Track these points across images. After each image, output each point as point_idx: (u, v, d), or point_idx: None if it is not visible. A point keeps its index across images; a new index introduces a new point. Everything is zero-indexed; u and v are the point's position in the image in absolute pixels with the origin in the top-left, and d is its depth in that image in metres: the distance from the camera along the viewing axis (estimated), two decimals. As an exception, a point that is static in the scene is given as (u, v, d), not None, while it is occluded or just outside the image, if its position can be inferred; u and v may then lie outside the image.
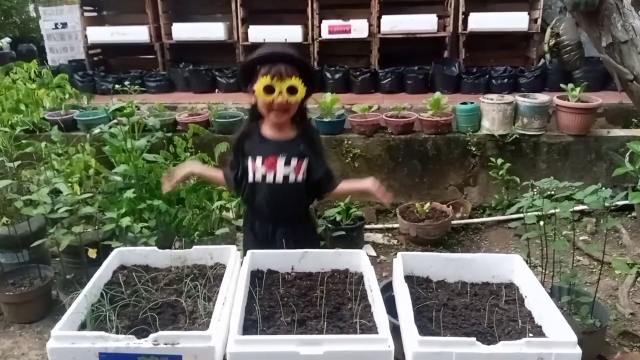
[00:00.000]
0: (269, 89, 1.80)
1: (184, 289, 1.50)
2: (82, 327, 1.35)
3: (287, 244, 1.98)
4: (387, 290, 1.66)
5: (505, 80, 5.01)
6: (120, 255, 1.69)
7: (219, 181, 2.16)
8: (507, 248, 3.69)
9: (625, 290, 3.03)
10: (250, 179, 1.98)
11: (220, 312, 1.31)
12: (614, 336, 2.64)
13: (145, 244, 2.62)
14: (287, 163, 1.94)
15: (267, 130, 1.98)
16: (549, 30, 2.47)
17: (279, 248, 1.92)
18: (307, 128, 2.03)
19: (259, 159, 1.94)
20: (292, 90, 1.81)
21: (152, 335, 1.21)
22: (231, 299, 1.39)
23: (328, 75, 5.28)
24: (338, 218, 3.60)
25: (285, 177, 1.94)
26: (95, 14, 6.25)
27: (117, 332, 1.31)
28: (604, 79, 4.72)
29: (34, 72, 4.65)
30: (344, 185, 2.07)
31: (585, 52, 2.53)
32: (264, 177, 1.95)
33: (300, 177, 1.96)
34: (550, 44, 2.42)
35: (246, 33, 5.56)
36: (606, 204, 2.16)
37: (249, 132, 2.00)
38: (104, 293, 1.46)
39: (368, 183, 1.99)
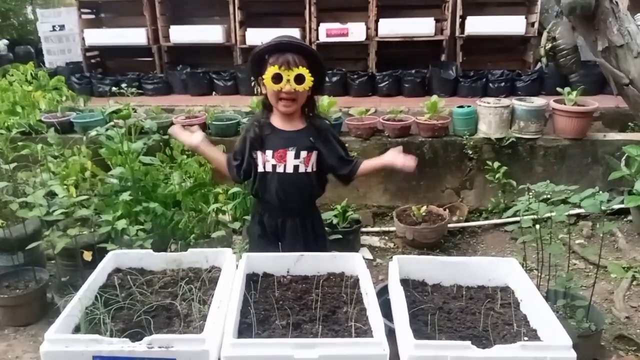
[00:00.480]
0: (277, 78, 1.85)
1: (179, 292, 1.50)
2: (77, 330, 1.35)
3: (296, 238, 2.04)
4: (383, 294, 1.66)
5: (503, 83, 5.02)
6: (115, 257, 1.69)
7: (219, 164, 2.15)
8: (503, 251, 3.70)
9: (621, 294, 3.03)
10: (261, 168, 2.02)
11: (215, 316, 1.30)
12: (609, 340, 2.64)
13: (141, 246, 2.62)
14: (297, 156, 1.99)
15: (277, 121, 2.03)
16: (545, 34, 2.48)
17: (288, 242, 1.98)
18: (318, 121, 2.08)
19: (269, 152, 2.00)
20: (299, 79, 1.85)
21: (146, 339, 1.21)
22: (226, 302, 1.39)
23: (325, 78, 5.28)
24: (334, 221, 3.60)
25: (296, 167, 2.00)
26: (93, 16, 6.24)
27: (111, 335, 1.30)
28: (601, 82, 4.72)
29: (31, 74, 4.64)
30: (367, 165, 2.09)
31: (581, 56, 2.53)
32: (274, 167, 2.00)
33: (309, 168, 2.01)
34: (546, 47, 2.43)
35: (244, 36, 5.57)
36: (602, 208, 2.17)
37: (260, 123, 2.04)
38: (98, 296, 1.46)
39: (387, 157, 2.04)
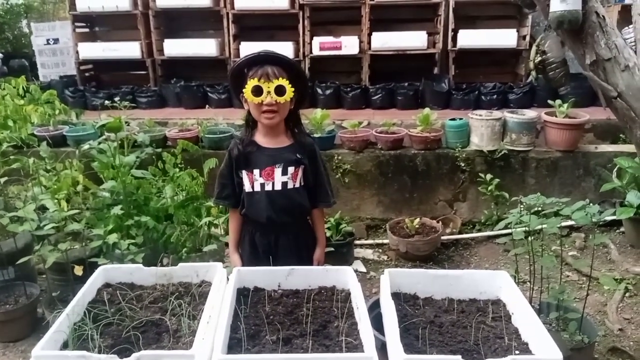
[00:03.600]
0: (257, 90, 1.84)
1: (169, 307, 1.49)
2: (65, 346, 1.33)
3: (290, 254, 2.03)
4: (377, 307, 1.66)
5: (495, 96, 5.06)
6: (105, 272, 1.67)
7: (237, 234, 2.17)
8: (496, 263, 3.70)
9: (614, 306, 3.03)
10: (249, 188, 2.00)
11: (204, 331, 1.29)
12: (602, 352, 2.63)
13: (133, 260, 2.60)
14: (285, 172, 1.98)
15: (262, 139, 2.01)
16: (534, 48, 2.51)
17: (281, 259, 1.95)
18: (303, 137, 2.07)
19: (256, 171, 1.98)
20: (280, 90, 1.84)
21: (134, 355, 1.20)
22: (216, 317, 1.38)
23: (319, 91, 5.31)
24: (328, 234, 3.59)
25: (284, 184, 1.98)
26: (87, 30, 6.26)
27: (99, 352, 1.29)
28: (592, 95, 4.75)
29: (23, 88, 4.63)
30: (317, 220, 2.17)
31: (570, 69, 2.56)
32: (262, 185, 1.99)
33: (297, 184, 2.01)
34: (535, 61, 2.45)
35: (238, 49, 5.59)
36: (594, 220, 2.17)
37: (244, 141, 2.03)
38: (87, 311, 1.44)
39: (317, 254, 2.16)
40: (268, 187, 1.98)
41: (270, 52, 1.92)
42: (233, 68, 1.96)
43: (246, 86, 1.85)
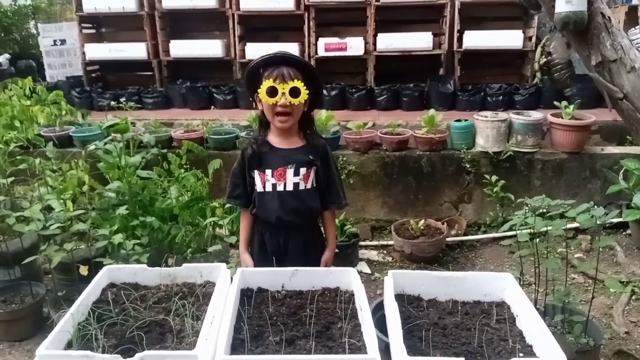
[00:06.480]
0: (271, 91, 1.85)
1: (173, 307, 1.49)
2: (69, 346, 1.34)
3: (299, 255, 2.03)
4: (381, 309, 1.65)
5: (500, 97, 5.04)
6: (109, 273, 1.68)
7: (248, 234, 2.16)
8: (502, 265, 3.68)
9: (620, 309, 3.01)
10: (260, 188, 2.01)
11: (207, 331, 1.30)
12: (608, 355, 2.62)
13: (138, 261, 2.61)
14: (297, 173, 1.98)
15: (275, 139, 2.02)
16: (539, 49, 2.50)
17: (290, 260, 1.96)
18: (316, 139, 2.07)
19: (268, 172, 1.99)
20: (294, 92, 1.85)
21: (138, 355, 1.20)
22: (219, 317, 1.38)
23: (324, 92, 5.31)
24: (333, 235, 3.58)
25: (296, 185, 1.99)
26: (93, 31, 6.30)
27: (103, 352, 1.30)
28: (598, 96, 4.71)
29: (30, 88, 4.66)
30: (328, 222, 2.17)
31: (576, 71, 2.55)
32: (274, 186, 1.99)
33: (309, 185, 2.01)
34: (540, 62, 2.44)
35: (243, 50, 5.61)
36: (599, 222, 2.16)
37: (257, 141, 2.03)
38: (91, 311, 1.45)
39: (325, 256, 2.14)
40: (280, 188, 1.99)
41: (287, 54, 1.92)
42: (249, 68, 1.96)
43: (261, 86, 1.85)
